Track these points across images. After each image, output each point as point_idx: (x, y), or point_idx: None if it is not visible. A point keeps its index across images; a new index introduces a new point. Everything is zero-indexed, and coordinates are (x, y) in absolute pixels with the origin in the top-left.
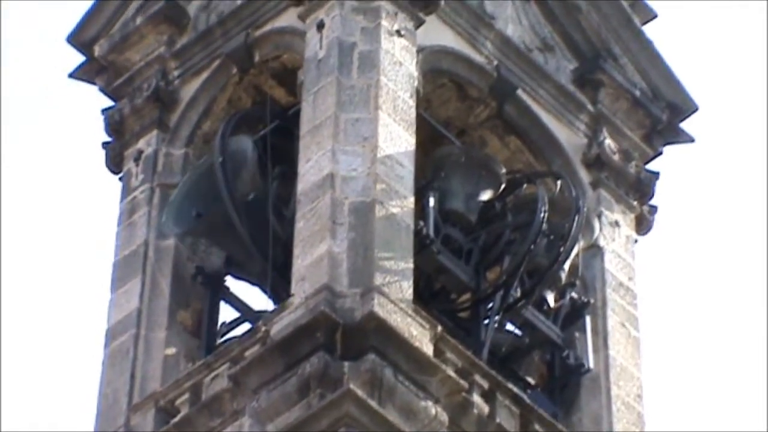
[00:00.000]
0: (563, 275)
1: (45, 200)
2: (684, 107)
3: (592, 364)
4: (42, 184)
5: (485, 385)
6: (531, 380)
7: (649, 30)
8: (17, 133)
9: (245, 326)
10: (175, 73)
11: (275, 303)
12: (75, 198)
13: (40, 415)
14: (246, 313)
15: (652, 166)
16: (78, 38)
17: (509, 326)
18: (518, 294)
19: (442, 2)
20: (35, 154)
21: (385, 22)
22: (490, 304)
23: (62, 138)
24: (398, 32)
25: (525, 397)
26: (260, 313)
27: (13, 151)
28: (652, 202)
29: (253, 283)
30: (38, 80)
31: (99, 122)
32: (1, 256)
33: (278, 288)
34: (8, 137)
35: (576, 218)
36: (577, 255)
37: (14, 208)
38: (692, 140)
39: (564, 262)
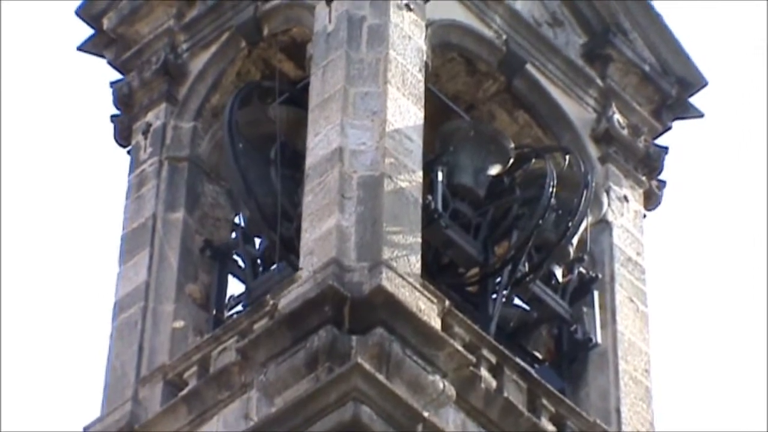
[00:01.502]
0: (571, 250)
1: (53, 174)
2: (693, 82)
3: (599, 339)
4: (50, 158)
5: (493, 359)
6: (539, 355)
7: (659, 4)
8: (26, 106)
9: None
10: (184, 46)
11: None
12: (83, 171)
13: (50, 386)
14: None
15: (661, 141)
16: (87, 11)
17: (517, 301)
18: (526, 269)
19: None
20: (43, 128)
21: None
22: (498, 279)
23: (71, 111)
24: (407, 6)
25: (532, 371)
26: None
27: (22, 125)
28: (661, 177)
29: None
30: (47, 53)
31: (107, 95)
32: (2, 231)
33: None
34: (16, 110)
35: (584, 193)
36: (585, 230)
37: (22, 182)
38: (701, 115)
39: (572, 237)
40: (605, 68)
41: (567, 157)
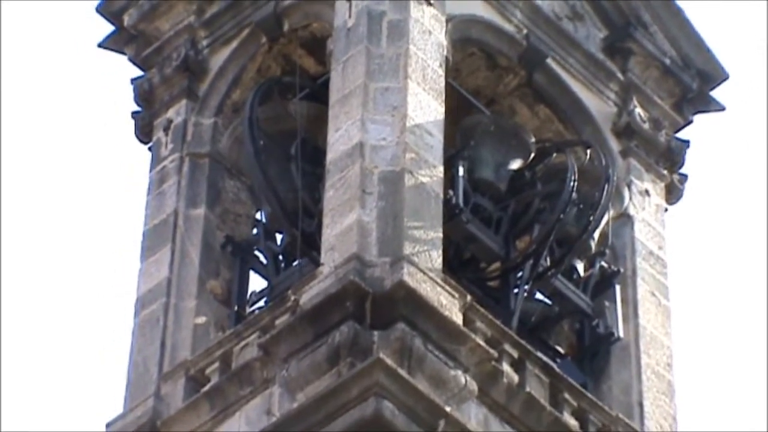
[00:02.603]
0: (593, 244)
1: (74, 170)
2: (714, 75)
3: (621, 333)
4: (71, 155)
5: (515, 354)
6: (561, 349)
7: None
8: (47, 103)
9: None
10: (205, 42)
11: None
12: (104, 168)
13: (72, 382)
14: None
15: (682, 134)
16: (107, 8)
17: (539, 295)
18: (548, 263)
19: None
20: (65, 124)
21: None
22: (520, 273)
23: (92, 108)
24: (427, 1)
25: (555, 366)
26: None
27: (44, 122)
28: (683, 170)
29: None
30: (67, 50)
31: (128, 92)
32: (24, 228)
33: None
34: (37, 107)
35: (606, 187)
36: (606, 224)
37: (44, 178)
38: (723, 108)
39: (594, 231)
40: (626, 62)
41: (588, 151)
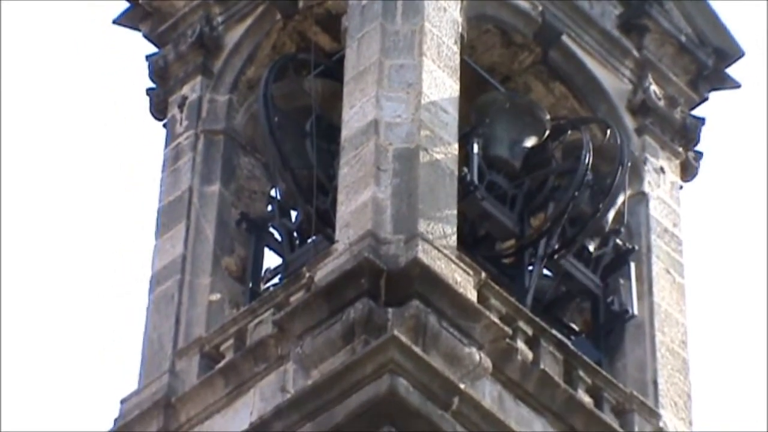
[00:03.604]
0: (607, 223)
1: (88, 147)
2: (730, 53)
3: (636, 311)
4: (86, 131)
5: (529, 331)
6: (575, 327)
7: None
8: (61, 80)
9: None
10: (219, 18)
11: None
12: (119, 145)
13: (87, 358)
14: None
15: (697, 112)
16: None
17: (548, 275)
18: (560, 242)
19: None
20: (79, 101)
21: None
22: (534, 251)
23: (106, 84)
24: None
25: (569, 343)
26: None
27: (58, 98)
28: (698, 148)
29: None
30: (83, 27)
31: (143, 68)
32: (41, 205)
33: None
34: (53, 84)
35: (620, 168)
36: (622, 202)
37: (59, 154)
38: (738, 86)
39: (608, 210)
40: (641, 39)
41: (607, 131)
